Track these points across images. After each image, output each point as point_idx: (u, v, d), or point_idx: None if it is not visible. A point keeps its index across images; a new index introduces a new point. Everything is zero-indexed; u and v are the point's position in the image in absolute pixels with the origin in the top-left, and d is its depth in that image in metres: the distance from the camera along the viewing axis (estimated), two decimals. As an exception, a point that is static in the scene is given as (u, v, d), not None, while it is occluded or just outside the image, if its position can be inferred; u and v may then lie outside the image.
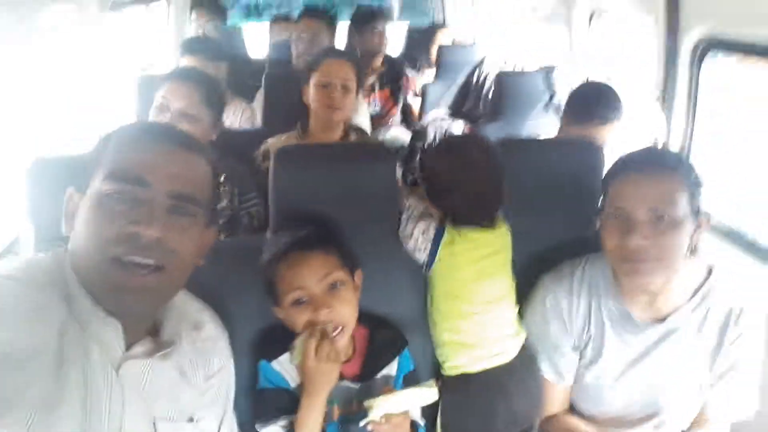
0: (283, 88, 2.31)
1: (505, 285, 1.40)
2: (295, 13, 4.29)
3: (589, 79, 2.45)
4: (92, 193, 0.89)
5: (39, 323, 0.81)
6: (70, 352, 0.84)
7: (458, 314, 1.35)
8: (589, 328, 1.33)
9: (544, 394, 1.39)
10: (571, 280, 1.34)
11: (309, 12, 3.11)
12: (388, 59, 3.88)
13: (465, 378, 1.35)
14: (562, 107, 2.28)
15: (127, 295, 0.87)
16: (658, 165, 1.20)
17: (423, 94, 3.62)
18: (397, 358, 1.30)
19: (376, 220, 1.38)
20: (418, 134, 3.52)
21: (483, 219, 1.35)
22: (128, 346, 0.92)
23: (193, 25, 3.77)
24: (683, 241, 1.17)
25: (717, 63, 1.92)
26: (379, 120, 3.45)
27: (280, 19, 4.06)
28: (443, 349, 1.38)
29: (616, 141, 2.03)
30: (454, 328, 1.35)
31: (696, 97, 1.99)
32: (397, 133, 3.45)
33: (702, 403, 1.31)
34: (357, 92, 2.15)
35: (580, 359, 1.36)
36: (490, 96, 3.36)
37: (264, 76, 2.46)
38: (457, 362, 1.36)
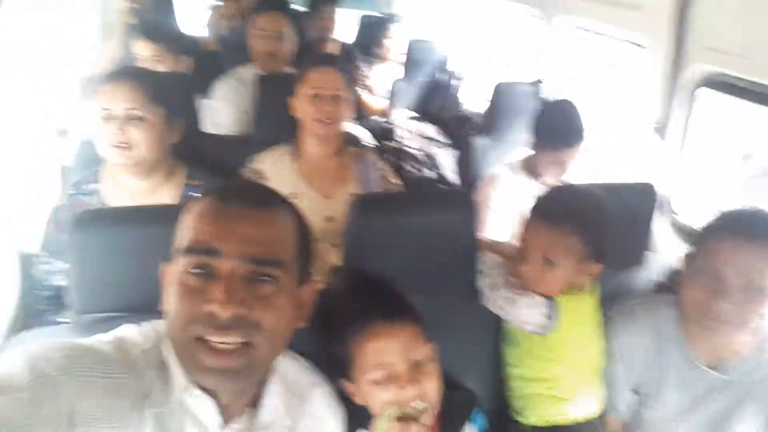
0: (277, 93, 2.10)
1: (601, 341, 1.40)
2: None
3: (552, 100, 2.47)
4: (174, 268, 0.85)
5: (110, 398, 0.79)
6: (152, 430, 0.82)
7: (562, 374, 1.34)
8: (650, 370, 1.37)
9: None
10: (636, 322, 1.37)
11: (269, 3, 2.75)
12: (345, 47, 3.77)
13: (553, 430, 1.36)
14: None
15: (215, 375, 0.83)
16: (765, 233, 1.19)
17: (392, 91, 3.52)
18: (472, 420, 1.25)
19: (455, 272, 1.33)
20: (386, 133, 3.46)
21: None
22: (226, 421, 0.89)
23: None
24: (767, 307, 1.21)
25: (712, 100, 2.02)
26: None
27: None
28: (531, 401, 1.37)
29: (597, 166, 2.12)
30: (553, 385, 1.34)
31: (687, 132, 2.08)
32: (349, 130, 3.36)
33: None
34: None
35: (638, 397, 1.40)
36: (456, 97, 3.37)
37: (259, 80, 2.25)
38: (548, 414, 1.36)
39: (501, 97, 2.51)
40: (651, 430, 1.40)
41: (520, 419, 1.39)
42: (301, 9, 3.63)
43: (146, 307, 1.09)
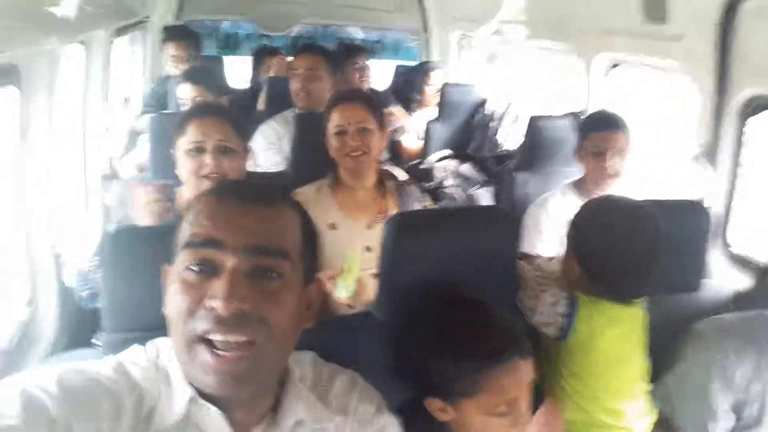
0: (313, 130, 2.14)
1: (640, 365, 1.33)
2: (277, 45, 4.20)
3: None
4: (174, 269, 0.82)
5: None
6: None
7: (591, 393, 1.27)
8: (752, 387, 1.26)
9: None
10: (738, 336, 1.28)
11: (305, 47, 2.91)
12: (375, 93, 3.82)
13: None
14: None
15: (217, 378, 0.76)
16: None
17: (426, 132, 3.55)
18: None
19: (497, 289, 1.27)
20: (424, 174, 3.46)
21: (635, 294, 1.27)
22: None
23: (169, 55, 3.53)
24: None
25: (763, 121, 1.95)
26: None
27: (269, 51, 3.90)
28: (568, 428, 1.28)
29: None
30: (586, 407, 1.27)
31: (739, 155, 2.00)
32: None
33: None
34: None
35: (735, 420, 1.29)
36: (496, 137, 3.36)
37: (295, 117, 2.30)
38: None
39: (535, 130, 2.49)
40: None
41: None
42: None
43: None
